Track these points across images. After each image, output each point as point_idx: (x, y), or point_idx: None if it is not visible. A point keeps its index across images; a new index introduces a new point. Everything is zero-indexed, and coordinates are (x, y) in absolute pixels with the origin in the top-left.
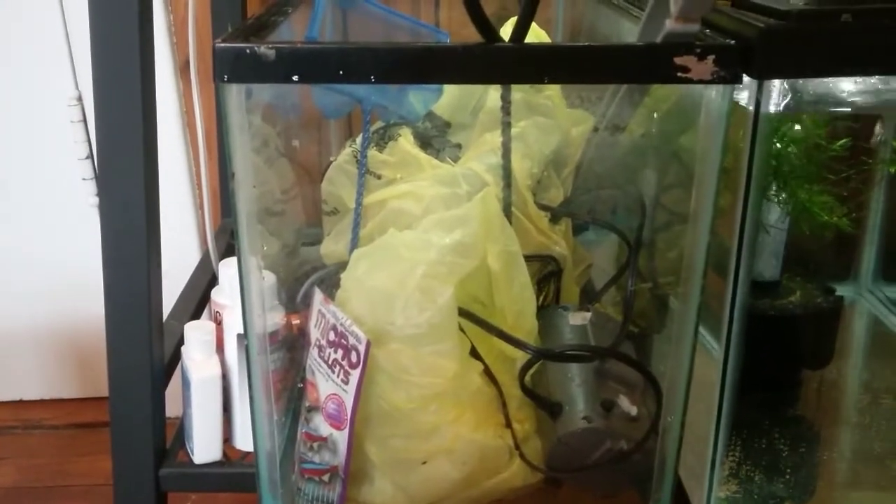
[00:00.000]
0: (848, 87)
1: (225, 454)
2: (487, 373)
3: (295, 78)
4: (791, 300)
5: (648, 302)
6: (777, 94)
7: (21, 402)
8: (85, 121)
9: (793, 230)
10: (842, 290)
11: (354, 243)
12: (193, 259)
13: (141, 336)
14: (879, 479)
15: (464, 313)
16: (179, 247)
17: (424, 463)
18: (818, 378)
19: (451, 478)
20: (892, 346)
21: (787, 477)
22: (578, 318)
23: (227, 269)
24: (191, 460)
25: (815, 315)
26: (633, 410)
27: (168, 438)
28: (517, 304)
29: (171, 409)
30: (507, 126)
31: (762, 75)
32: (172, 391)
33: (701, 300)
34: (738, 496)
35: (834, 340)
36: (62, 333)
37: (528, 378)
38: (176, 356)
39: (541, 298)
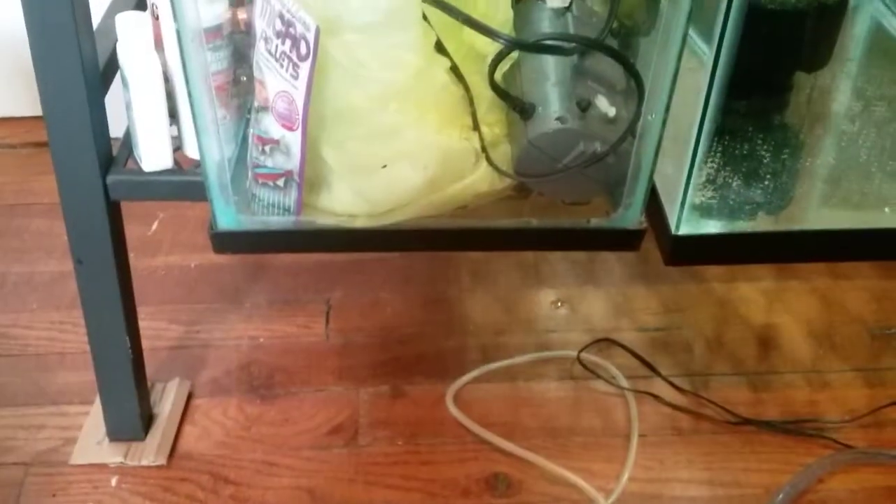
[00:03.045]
0: None
1: (176, 163)
2: (454, 69)
3: None
4: None
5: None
6: None
7: None
8: None
9: None
10: None
11: None
12: None
13: (67, 32)
14: (861, 189)
15: None
16: None
17: (384, 167)
18: (810, 83)
19: (413, 182)
20: (892, 50)
21: (766, 184)
22: (557, 1)
23: None
24: (139, 168)
25: (816, 11)
26: (612, 111)
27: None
28: None
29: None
30: None
31: None
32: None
33: None
34: (713, 202)
35: (833, 41)
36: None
37: (499, 75)
38: (113, 59)
39: None
